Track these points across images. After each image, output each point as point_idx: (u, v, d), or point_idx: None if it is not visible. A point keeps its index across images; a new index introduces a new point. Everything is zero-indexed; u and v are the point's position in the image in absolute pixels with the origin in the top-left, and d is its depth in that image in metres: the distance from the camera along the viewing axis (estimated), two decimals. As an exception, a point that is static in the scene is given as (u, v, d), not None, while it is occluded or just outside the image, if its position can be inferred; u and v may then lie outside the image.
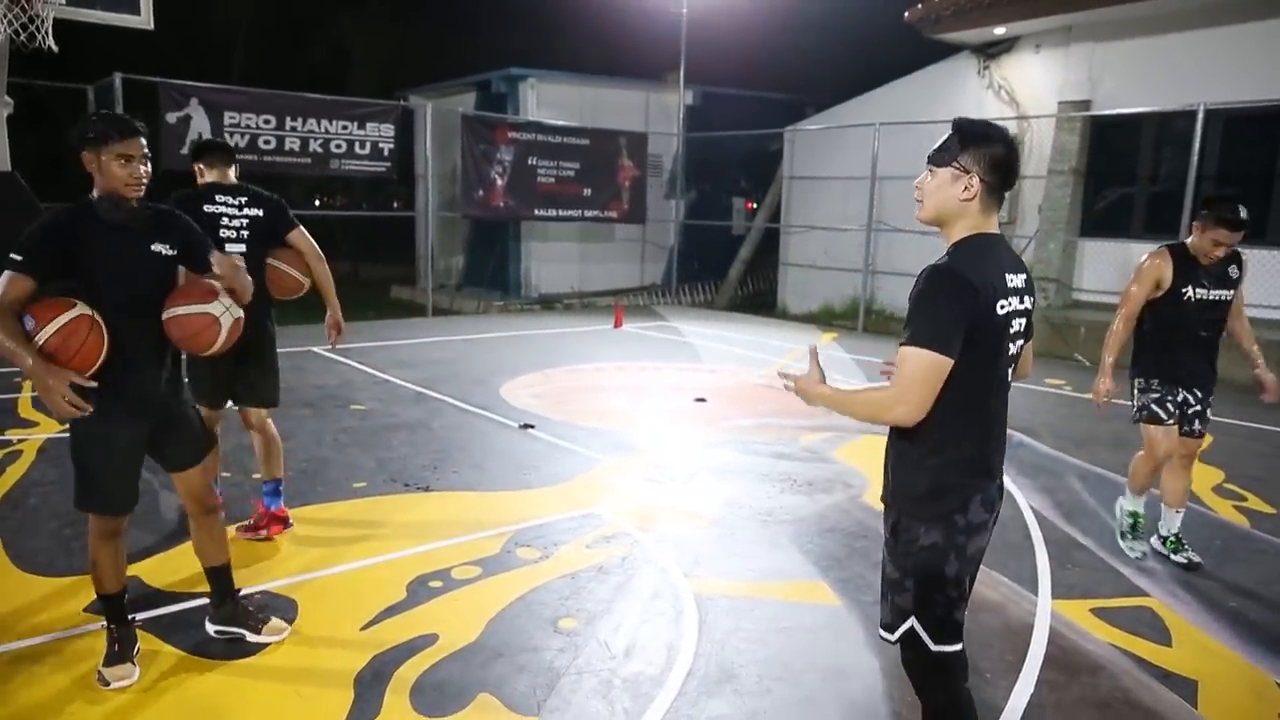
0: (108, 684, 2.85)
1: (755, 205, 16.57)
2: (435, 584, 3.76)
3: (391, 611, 3.49)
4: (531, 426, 6.45)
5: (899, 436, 2.19)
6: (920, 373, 1.98)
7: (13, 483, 4.86)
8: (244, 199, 4.10)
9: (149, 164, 2.80)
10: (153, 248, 2.84)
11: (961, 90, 12.48)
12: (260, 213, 4.13)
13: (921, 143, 8.94)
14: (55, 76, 10.25)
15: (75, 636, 3.21)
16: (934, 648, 2.15)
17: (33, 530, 4.21)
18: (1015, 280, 2.11)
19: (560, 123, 14.03)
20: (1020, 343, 2.17)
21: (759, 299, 15.99)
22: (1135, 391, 4.25)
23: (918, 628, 2.16)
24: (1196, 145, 9.28)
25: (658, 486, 5.25)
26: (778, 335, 11.72)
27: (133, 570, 3.67)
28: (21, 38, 7.31)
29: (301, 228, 4.27)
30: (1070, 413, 7.50)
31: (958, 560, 2.12)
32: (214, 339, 2.94)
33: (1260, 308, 8.91)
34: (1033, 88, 11.77)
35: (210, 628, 3.20)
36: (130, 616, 3.06)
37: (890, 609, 2.23)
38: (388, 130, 11.98)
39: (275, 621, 3.23)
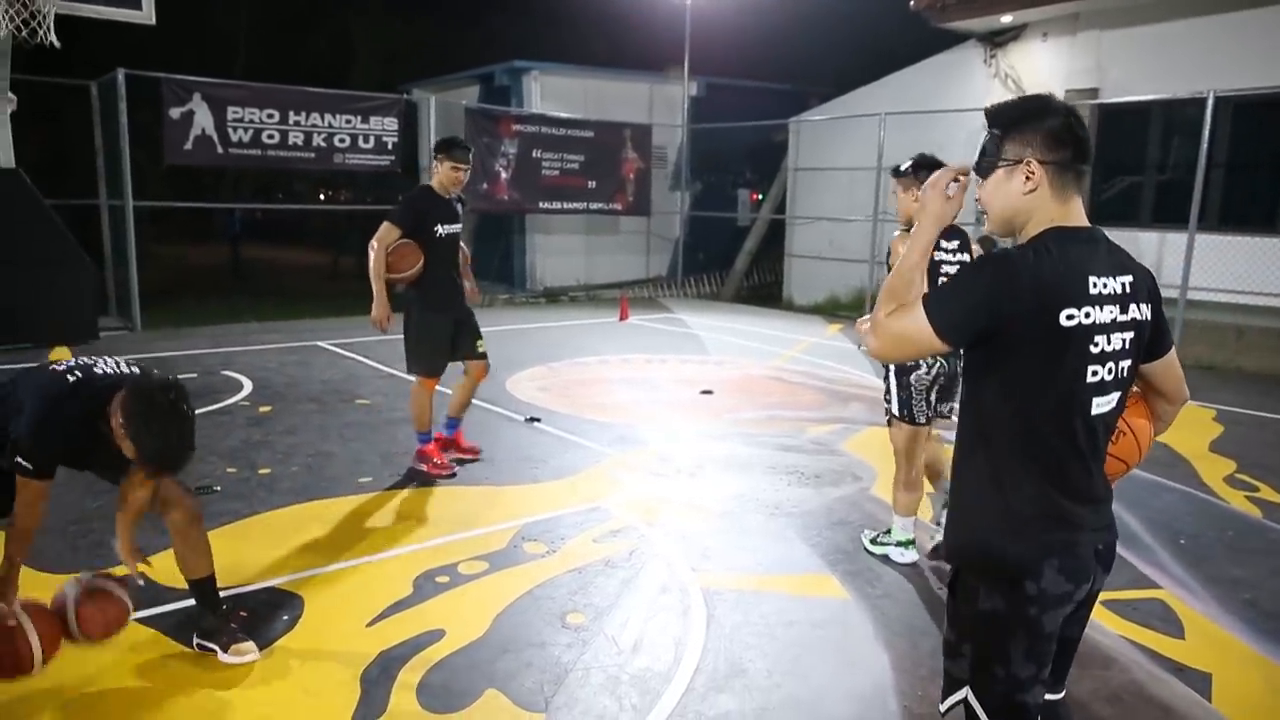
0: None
1: (760, 197, 16.50)
2: (442, 579, 3.75)
3: (398, 607, 3.48)
4: (537, 420, 6.43)
5: (960, 468, 1.85)
6: (907, 330, 1.71)
7: (19, 480, 4.84)
8: None
9: None
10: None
11: (968, 79, 12.39)
12: None
13: (928, 133, 8.91)
14: (58, 73, 10.22)
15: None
16: None
17: (41, 529, 4.19)
18: (1109, 285, 1.70)
19: (564, 115, 13.99)
20: (1118, 365, 1.74)
21: (764, 290, 15.94)
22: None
23: (973, 702, 1.82)
24: (1206, 133, 9.20)
25: (664, 480, 5.22)
26: (783, 327, 11.68)
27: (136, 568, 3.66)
28: (23, 34, 7.29)
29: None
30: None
31: (1027, 636, 1.74)
32: None
33: (1268, 295, 8.86)
34: (1040, 76, 11.68)
35: (195, 640, 3.10)
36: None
37: (945, 677, 1.94)
38: (391, 124, 11.94)
39: (243, 644, 3.06)
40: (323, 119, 11.36)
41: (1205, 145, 9.21)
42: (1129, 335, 1.75)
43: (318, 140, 11.35)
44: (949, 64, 12.68)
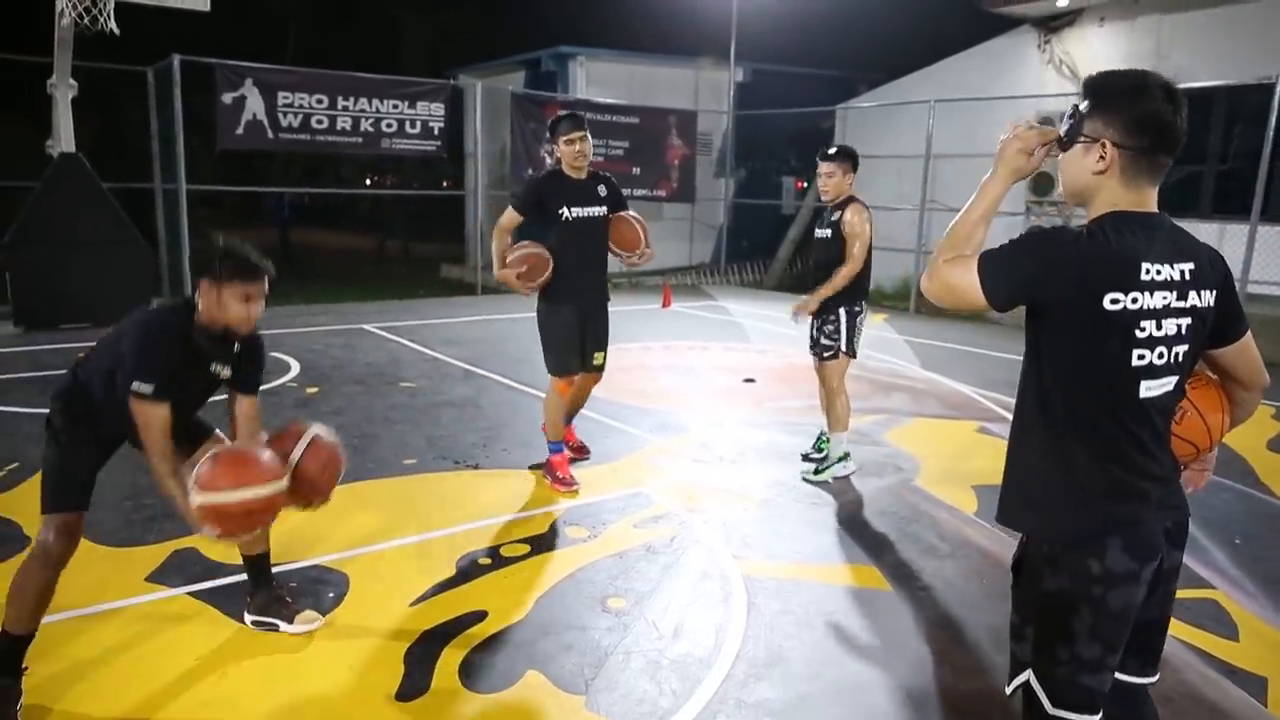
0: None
1: (805, 184, 16.34)
2: (484, 561, 3.79)
3: (441, 588, 3.52)
4: (579, 406, 6.45)
5: (1018, 444, 1.86)
6: (960, 282, 1.73)
7: (77, 455, 4.98)
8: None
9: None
10: (212, 367, 2.85)
11: (1021, 66, 12.15)
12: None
13: (978, 121, 8.81)
14: (115, 60, 10.45)
15: (140, 604, 3.29)
16: (1051, 710, 1.79)
17: (97, 501, 4.30)
18: (1165, 271, 1.68)
19: (609, 101, 13.96)
20: (1172, 350, 1.72)
21: (809, 279, 15.79)
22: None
23: (1034, 684, 1.81)
24: (1273, 120, 8.91)
25: (705, 467, 5.22)
26: (827, 316, 11.55)
27: (189, 542, 3.76)
28: (85, 21, 7.46)
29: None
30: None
31: (1092, 615, 1.73)
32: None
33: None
34: (1096, 62, 11.38)
35: (247, 618, 3.17)
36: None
37: (1011, 657, 1.92)
38: (438, 109, 12.03)
39: (308, 612, 3.18)
40: (370, 104, 11.48)
41: (1271, 133, 8.92)
42: (1185, 321, 1.73)
43: (365, 125, 11.48)
44: (1001, 50, 12.43)
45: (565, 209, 4.54)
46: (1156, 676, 1.99)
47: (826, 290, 4.85)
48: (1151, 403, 1.74)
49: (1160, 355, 1.71)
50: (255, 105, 10.63)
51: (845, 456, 5.03)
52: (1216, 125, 10.51)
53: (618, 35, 18.02)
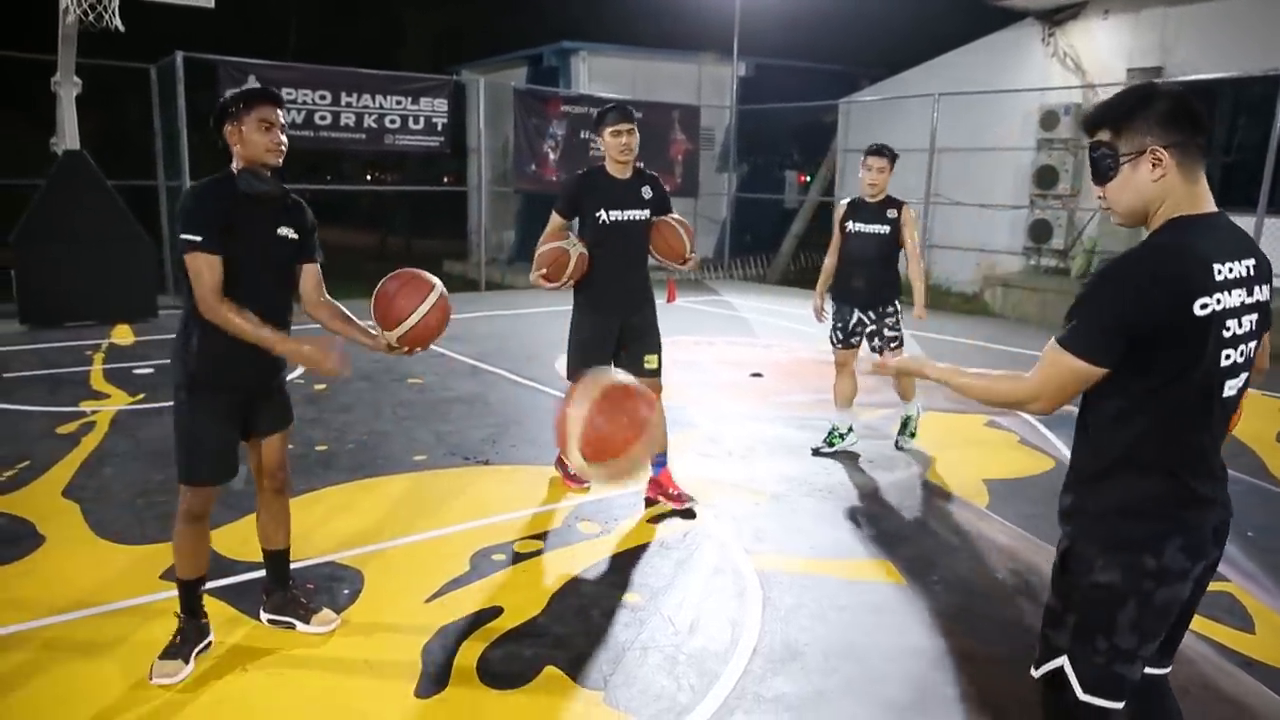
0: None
1: (808, 178, 16.33)
2: (498, 557, 3.79)
3: (456, 584, 3.52)
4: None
5: (1081, 446, 1.87)
6: (1060, 379, 1.75)
7: (89, 453, 5.00)
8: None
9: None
10: (279, 231, 2.87)
11: (1025, 59, 12.12)
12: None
13: (982, 114, 8.84)
14: (118, 57, 10.43)
15: (152, 603, 3.29)
16: (1082, 696, 1.82)
17: (109, 499, 4.33)
18: (1234, 269, 1.71)
19: (612, 96, 13.94)
20: (1247, 346, 1.76)
21: (812, 274, 15.75)
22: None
23: (1068, 670, 1.84)
24: None
25: (715, 461, 5.22)
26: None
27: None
28: (90, 18, 7.45)
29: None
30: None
31: (1138, 609, 1.76)
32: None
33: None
34: (1100, 55, 11.38)
35: (264, 616, 3.16)
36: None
37: (1042, 643, 1.92)
38: (441, 105, 12.02)
39: (325, 612, 3.16)
40: (374, 100, 11.47)
41: (1278, 125, 8.91)
42: (1254, 317, 1.76)
43: (369, 121, 11.47)
44: (1005, 43, 12.41)
45: (602, 212, 4.21)
46: (1170, 668, 2.02)
47: (921, 285, 5.29)
48: (1229, 400, 1.78)
49: (1242, 353, 1.76)
50: (258, 102, 10.60)
51: (848, 431, 5.50)
52: (1222, 118, 10.48)
53: (620, 30, 17.99)
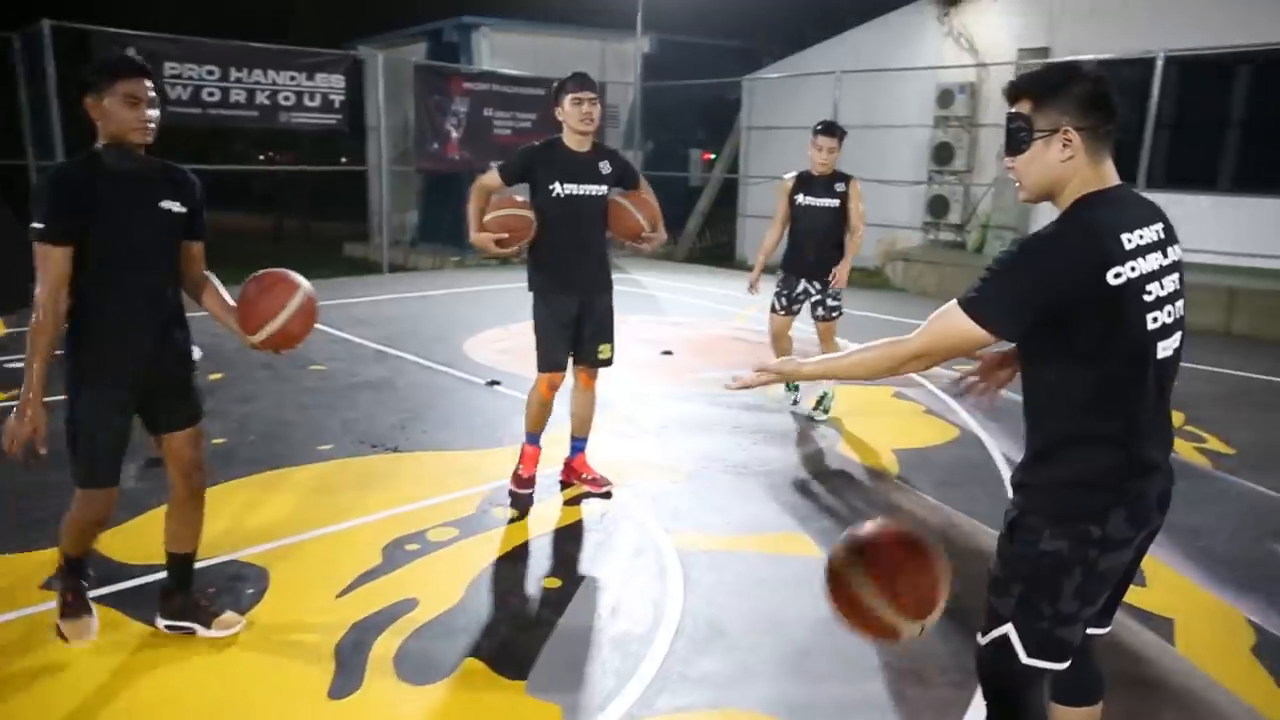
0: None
1: (713, 156, 16.40)
2: (412, 547, 3.68)
3: (368, 577, 3.40)
4: (498, 383, 6.34)
5: (1030, 424, 1.90)
6: (951, 337, 1.78)
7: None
8: None
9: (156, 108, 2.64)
10: (161, 205, 2.68)
11: (921, 38, 12.39)
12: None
13: (882, 92, 9.09)
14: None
15: (37, 614, 3.07)
16: (1025, 659, 1.87)
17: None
18: (1144, 235, 1.75)
19: (516, 73, 13.69)
20: (1174, 306, 1.80)
21: (717, 250, 15.91)
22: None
23: (1012, 636, 1.88)
24: (1155, 93, 9.34)
25: (631, 441, 5.19)
26: (738, 286, 11.58)
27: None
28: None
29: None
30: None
31: (1083, 575, 1.80)
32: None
33: (1209, 253, 9.07)
34: (992, 35, 11.73)
35: (160, 622, 2.98)
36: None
37: (987, 610, 1.95)
38: (338, 81, 11.57)
39: (227, 615, 3.00)
40: (266, 75, 10.94)
41: (1154, 106, 9.36)
42: (1174, 276, 1.80)
43: (261, 98, 10.95)
44: (903, 22, 12.66)
45: (556, 184, 3.96)
46: (1110, 627, 2.09)
47: (852, 256, 5.50)
48: (1165, 363, 1.81)
49: (1168, 314, 1.79)
50: (138, 76, 9.99)
51: (794, 389, 5.97)
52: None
53: (522, 5, 17.64)
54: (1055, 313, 1.70)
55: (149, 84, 2.60)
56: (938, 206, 12.16)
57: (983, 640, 1.97)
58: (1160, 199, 1.82)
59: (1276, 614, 3.30)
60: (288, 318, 2.75)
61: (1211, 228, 9.16)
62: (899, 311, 9.74)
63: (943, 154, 12.01)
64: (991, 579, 1.95)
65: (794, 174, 5.59)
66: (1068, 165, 1.76)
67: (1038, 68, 1.86)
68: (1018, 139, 1.80)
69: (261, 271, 2.83)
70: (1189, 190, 9.77)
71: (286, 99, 11.16)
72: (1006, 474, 4.72)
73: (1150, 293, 1.75)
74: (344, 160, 20.01)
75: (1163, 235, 1.80)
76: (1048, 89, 1.77)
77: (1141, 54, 9.61)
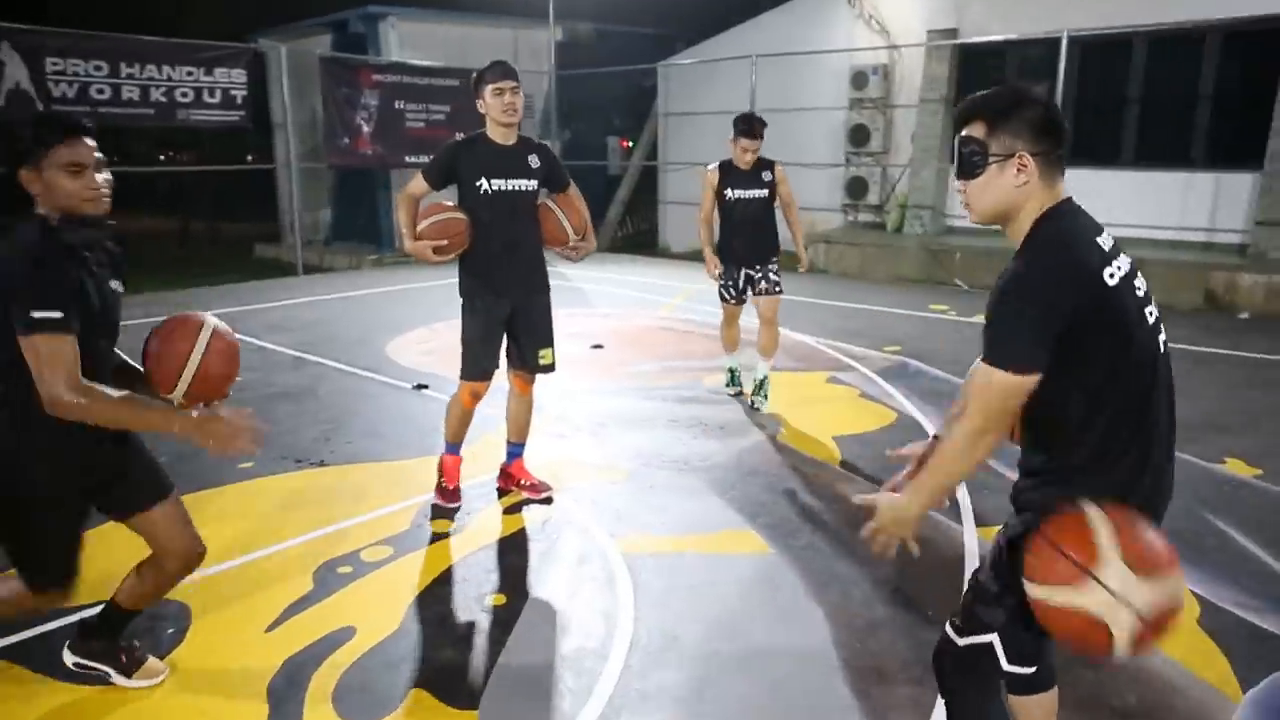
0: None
1: (631, 144, 16.28)
2: (344, 570, 3.47)
3: (299, 606, 3.19)
4: (425, 386, 6.12)
5: (1043, 451, 1.82)
6: (999, 399, 1.68)
7: None
8: None
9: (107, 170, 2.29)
10: (111, 284, 2.38)
11: (833, 21, 12.45)
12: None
13: (795, 75, 9.11)
14: None
15: (-74, 672, 2.78)
16: (1006, 666, 1.89)
17: None
18: (1107, 241, 1.77)
19: (427, 64, 13.30)
20: (1152, 305, 1.80)
21: (639, 239, 15.82)
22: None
23: (996, 646, 1.89)
24: (1061, 72, 9.55)
25: (566, 441, 5.05)
26: (663, 275, 11.60)
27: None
28: None
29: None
30: (960, 336, 7.68)
31: None
32: None
33: (1116, 226, 9.35)
34: (902, 17, 11.86)
35: (69, 658, 2.72)
36: None
37: (968, 616, 1.93)
38: (239, 76, 11.04)
39: (151, 662, 2.75)
40: (160, 71, 10.35)
41: (1061, 85, 9.58)
42: (1140, 278, 1.83)
43: (156, 95, 10.37)
44: (813, 6, 12.69)
45: (483, 180, 3.78)
46: None
47: (802, 235, 5.77)
48: (1166, 356, 1.81)
49: (1154, 309, 1.82)
50: (18, 72, 9.34)
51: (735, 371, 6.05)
52: (1011, 77, 11.16)
53: (429, -7, 17.16)
54: (1068, 325, 1.66)
55: (91, 143, 2.24)
56: (856, 188, 12.28)
57: (960, 643, 1.94)
58: (1068, 174, 1.78)
59: (1220, 585, 3.36)
60: (199, 361, 2.45)
61: (1117, 201, 9.45)
62: (822, 294, 9.79)
63: (859, 136, 12.12)
64: (980, 588, 1.92)
65: (716, 165, 5.53)
66: (1022, 190, 1.75)
67: (987, 92, 1.83)
68: (971, 163, 1.78)
69: (157, 326, 2.54)
70: (1094, 166, 10.04)
71: (184, 95, 10.60)
72: (945, 456, 4.73)
73: (1138, 288, 1.78)
74: (250, 158, 19.20)
75: (1114, 241, 1.81)
76: (1000, 112, 1.75)
77: (1046, 34, 9.82)
